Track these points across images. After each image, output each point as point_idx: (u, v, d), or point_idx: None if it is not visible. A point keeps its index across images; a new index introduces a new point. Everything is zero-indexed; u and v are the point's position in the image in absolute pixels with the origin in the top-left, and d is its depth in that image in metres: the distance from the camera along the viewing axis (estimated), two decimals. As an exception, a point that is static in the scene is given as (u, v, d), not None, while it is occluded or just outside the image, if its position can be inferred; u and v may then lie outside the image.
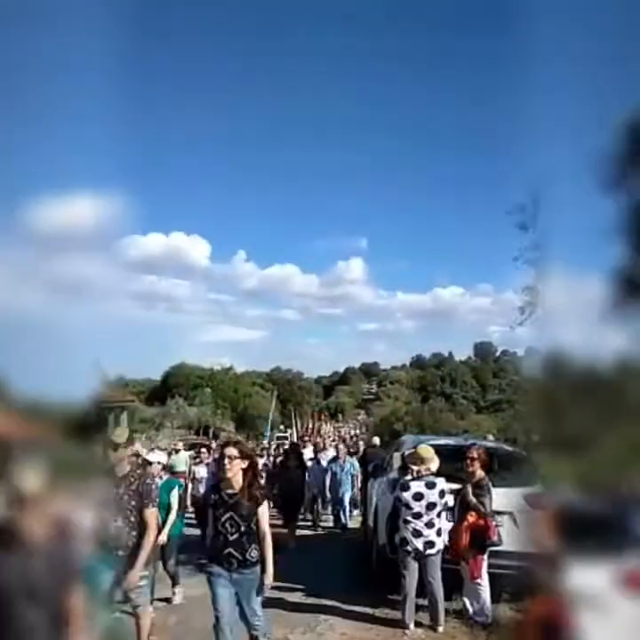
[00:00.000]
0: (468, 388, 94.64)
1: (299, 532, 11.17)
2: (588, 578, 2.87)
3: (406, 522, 5.97)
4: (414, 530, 5.92)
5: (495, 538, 6.03)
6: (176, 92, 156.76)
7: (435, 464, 6.06)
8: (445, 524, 6.12)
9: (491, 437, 14.42)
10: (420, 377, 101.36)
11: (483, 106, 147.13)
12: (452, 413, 58.18)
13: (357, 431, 73.16)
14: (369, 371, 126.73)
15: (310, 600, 6.88)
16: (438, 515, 5.98)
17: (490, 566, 6.48)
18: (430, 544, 5.90)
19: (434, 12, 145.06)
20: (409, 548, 5.93)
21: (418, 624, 5.92)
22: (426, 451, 6.11)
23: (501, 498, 6.88)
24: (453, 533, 6.06)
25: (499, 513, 6.79)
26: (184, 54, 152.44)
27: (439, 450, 6.44)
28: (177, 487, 7.04)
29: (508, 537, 6.67)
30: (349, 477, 13.44)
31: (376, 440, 15.20)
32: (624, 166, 2.50)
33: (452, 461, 7.29)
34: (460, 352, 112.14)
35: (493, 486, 6.99)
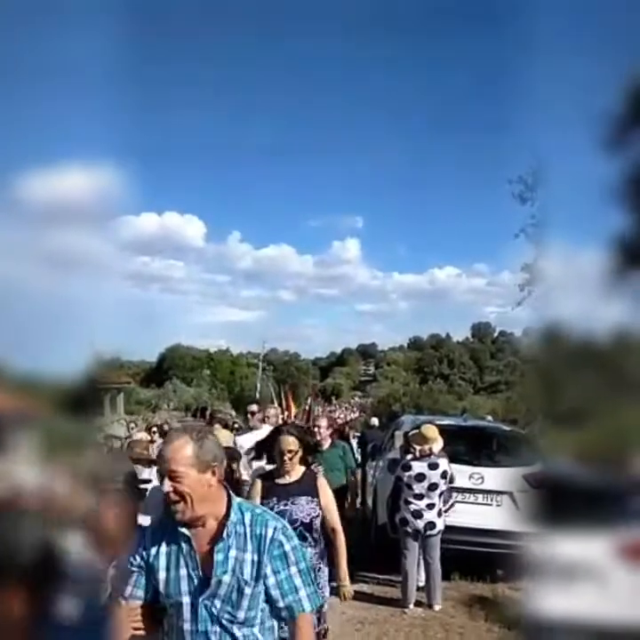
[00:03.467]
0: (466, 368, 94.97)
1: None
2: (586, 549, 2.86)
3: (407, 502, 5.94)
4: (415, 510, 5.89)
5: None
6: (173, 72, 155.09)
7: (438, 445, 5.99)
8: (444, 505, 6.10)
9: (489, 418, 14.46)
10: (418, 358, 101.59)
11: (483, 83, 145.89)
12: (449, 394, 58.51)
13: (353, 414, 72.90)
14: (366, 352, 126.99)
15: (309, 580, 6.88)
16: (439, 496, 5.95)
17: (488, 546, 6.50)
18: (431, 525, 5.89)
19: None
20: (409, 529, 5.91)
21: (417, 603, 5.93)
22: (430, 430, 6.03)
23: (501, 478, 6.89)
24: None
25: (498, 493, 6.80)
26: (184, 33, 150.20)
27: (438, 430, 6.41)
28: None
29: (507, 516, 6.70)
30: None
31: (374, 421, 15.26)
32: (625, 127, 2.42)
33: (451, 441, 7.29)
34: (457, 333, 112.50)
35: (492, 467, 7.01)
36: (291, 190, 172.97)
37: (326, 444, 6.36)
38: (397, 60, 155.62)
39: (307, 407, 22.63)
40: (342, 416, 63.89)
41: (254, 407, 6.83)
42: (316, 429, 6.29)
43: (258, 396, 25.34)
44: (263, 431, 6.05)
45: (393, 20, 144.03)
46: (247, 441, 6.17)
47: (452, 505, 6.28)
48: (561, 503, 3.19)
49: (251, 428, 6.70)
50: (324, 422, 6.72)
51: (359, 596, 6.22)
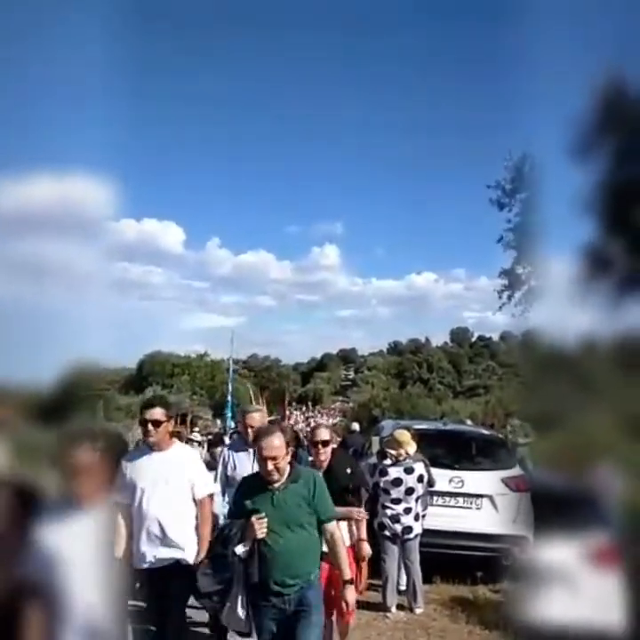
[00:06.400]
0: (445, 373, 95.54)
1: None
2: (557, 553, 2.93)
3: (384, 507, 5.99)
4: (392, 515, 5.94)
5: None
6: (153, 78, 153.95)
7: (412, 448, 6.08)
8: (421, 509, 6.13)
9: (469, 422, 14.59)
10: (398, 363, 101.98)
11: (467, 87, 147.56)
12: (429, 398, 58.71)
13: (333, 420, 72.00)
14: (347, 357, 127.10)
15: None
16: (416, 500, 6.00)
17: (468, 549, 6.58)
18: (408, 529, 5.94)
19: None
20: (387, 533, 5.96)
21: (399, 607, 5.96)
22: (402, 435, 6.14)
23: (480, 481, 6.98)
24: None
25: (478, 496, 6.89)
26: (170, 43, 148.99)
27: (418, 434, 6.47)
28: None
29: (487, 520, 6.78)
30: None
31: (355, 426, 15.33)
32: (595, 137, 2.49)
33: (431, 445, 7.36)
34: (436, 338, 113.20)
35: (472, 470, 7.10)
36: (269, 196, 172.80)
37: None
38: (381, 65, 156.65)
39: (286, 413, 22.31)
40: (324, 420, 63.27)
41: (257, 416, 4.66)
42: (319, 448, 4.40)
43: (229, 398, 23.75)
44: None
45: (382, 21, 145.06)
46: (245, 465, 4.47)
47: (426, 508, 6.29)
48: (533, 508, 3.25)
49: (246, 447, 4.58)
50: (325, 433, 4.46)
51: (341, 601, 6.26)
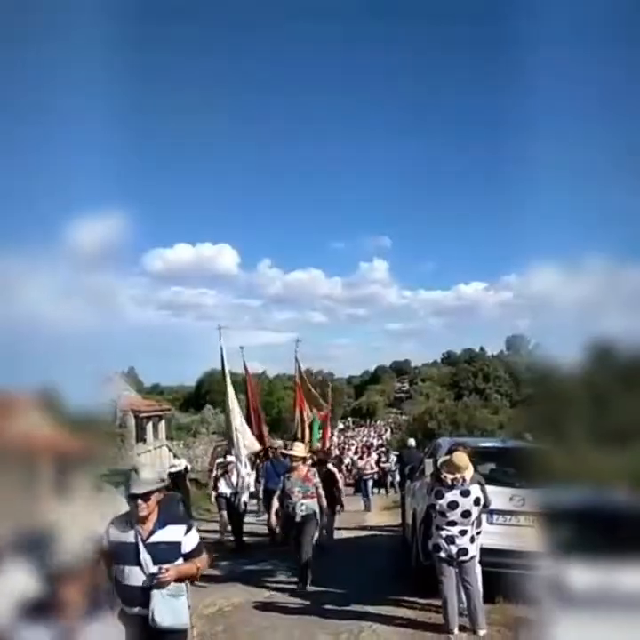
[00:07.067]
0: (502, 382, 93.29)
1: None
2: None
3: (439, 528, 5.95)
4: (448, 536, 5.89)
5: None
6: (192, 104, 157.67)
7: (469, 472, 5.98)
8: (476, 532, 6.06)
9: (529, 437, 14.23)
10: (453, 373, 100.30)
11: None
12: (486, 409, 57.38)
13: (378, 438, 70.54)
14: (400, 369, 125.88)
15: (353, 606, 6.89)
16: (472, 523, 5.94)
17: (531, 568, 6.44)
18: (463, 551, 5.88)
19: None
20: (443, 554, 5.92)
21: (462, 628, 5.91)
22: (461, 459, 6.01)
23: (533, 499, 6.84)
24: None
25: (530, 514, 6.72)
26: (192, 61, 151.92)
27: (477, 452, 6.39)
28: None
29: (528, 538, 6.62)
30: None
31: (411, 442, 15.27)
32: None
33: (490, 463, 7.28)
34: (490, 346, 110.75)
35: (533, 488, 6.96)
36: (316, 214, 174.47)
37: None
38: (422, 76, 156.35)
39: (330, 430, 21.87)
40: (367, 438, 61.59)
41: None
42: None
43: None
44: None
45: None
46: None
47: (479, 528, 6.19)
48: (615, 532, 3.08)
49: None
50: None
51: (403, 623, 6.25)
